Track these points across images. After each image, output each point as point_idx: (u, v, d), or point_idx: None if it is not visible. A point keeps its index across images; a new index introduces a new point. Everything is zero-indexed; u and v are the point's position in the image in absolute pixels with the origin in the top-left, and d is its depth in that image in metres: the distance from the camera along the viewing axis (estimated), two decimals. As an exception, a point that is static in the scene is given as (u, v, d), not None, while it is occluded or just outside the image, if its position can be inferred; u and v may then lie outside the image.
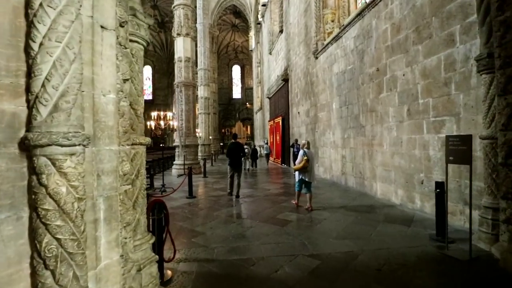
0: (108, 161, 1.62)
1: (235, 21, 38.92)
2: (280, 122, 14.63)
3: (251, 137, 39.56)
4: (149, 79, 42.79)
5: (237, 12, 36.76)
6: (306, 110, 10.86)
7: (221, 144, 30.70)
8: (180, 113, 11.07)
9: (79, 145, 1.30)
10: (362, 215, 4.75)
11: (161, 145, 35.20)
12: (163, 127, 7.22)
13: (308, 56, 10.51)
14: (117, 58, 1.72)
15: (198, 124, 21.17)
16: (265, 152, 18.75)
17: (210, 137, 21.35)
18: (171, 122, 7.45)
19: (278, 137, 15.33)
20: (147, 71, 42.82)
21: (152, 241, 2.22)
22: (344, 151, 7.76)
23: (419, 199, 4.95)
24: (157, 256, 2.23)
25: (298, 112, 11.93)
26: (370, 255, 3.05)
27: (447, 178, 3.35)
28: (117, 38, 1.82)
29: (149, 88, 42.60)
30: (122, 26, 1.91)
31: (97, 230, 1.54)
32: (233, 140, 7.03)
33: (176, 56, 11.20)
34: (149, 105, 38.93)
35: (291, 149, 10.80)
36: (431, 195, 4.63)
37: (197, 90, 20.87)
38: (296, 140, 10.73)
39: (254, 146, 17.95)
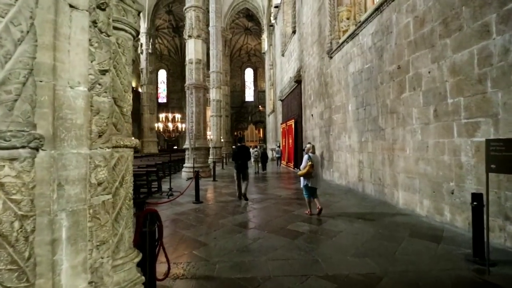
0: (75, 167, 1.32)
1: (248, 24, 39.03)
2: (293, 125, 14.20)
3: (264, 140, 39.28)
4: (164, 82, 43.60)
5: (250, 15, 36.84)
6: (320, 112, 10.39)
7: (233, 146, 30.62)
8: (190, 115, 10.91)
9: (22, 147, 1.01)
10: (384, 227, 4.27)
11: (174, 147, 35.51)
12: (171, 129, 6.99)
13: (322, 56, 10.08)
14: (91, 44, 1.43)
15: (210, 126, 21.11)
16: (277, 155, 18.44)
17: (222, 140, 21.20)
18: (179, 125, 7.22)
19: (290, 141, 14.90)
20: (162, 74, 43.66)
21: (138, 259, 1.91)
22: (361, 155, 7.25)
23: (448, 211, 4.40)
24: (143, 278, 1.91)
25: (312, 115, 11.48)
26: (396, 279, 2.61)
27: (488, 189, 2.85)
28: (95, 23, 1.53)
29: (163, 91, 43.40)
30: (103, 9, 1.63)
31: (57, 253, 1.24)
32: (239, 144, 7.00)
33: (187, 58, 11.08)
34: (163, 108, 39.53)
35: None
36: (463, 207, 4.10)
37: (209, 93, 20.84)
38: (309, 143, 10.26)
39: (264, 149, 17.57)
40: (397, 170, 5.73)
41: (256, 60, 43.80)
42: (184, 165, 11.05)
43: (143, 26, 28.15)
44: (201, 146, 10.88)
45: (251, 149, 14.47)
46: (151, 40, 28.33)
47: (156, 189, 7.61)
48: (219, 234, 4.06)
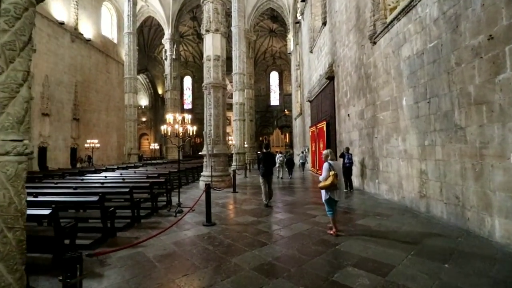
0: None
1: (272, 26, 38.06)
2: (324, 128, 12.51)
3: (290, 145, 37.62)
4: (189, 89, 43.96)
5: (274, 17, 35.84)
6: (360, 111, 8.68)
7: (258, 152, 29.26)
8: (208, 117, 9.77)
9: None
10: (498, 286, 2.58)
11: (199, 153, 35.05)
12: (180, 132, 5.79)
13: (361, 44, 8.42)
14: None
15: (232, 131, 20.02)
16: (301, 161, 16.97)
17: (246, 145, 20.02)
18: (189, 127, 6.01)
19: (321, 145, 13.18)
20: (188, 81, 44.08)
21: None
22: (423, 164, 5.46)
23: None
24: None
25: (348, 115, 9.76)
26: None
27: None
28: None
29: (189, 97, 43.71)
30: None
31: None
32: (264, 150, 7.00)
33: (204, 55, 10.03)
34: (189, 114, 39.59)
35: (341, 160, 8.68)
36: None
37: (232, 96, 19.87)
38: (348, 149, 8.58)
39: (291, 154, 16.87)
40: (490, 186, 3.94)
41: (282, 63, 42.56)
42: (201, 173, 9.89)
43: (167, 32, 28.25)
44: (220, 153, 9.66)
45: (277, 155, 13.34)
46: (175, 46, 28.29)
47: (164, 204, 6.44)
48: (228, 287, 2.67)
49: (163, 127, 5.74)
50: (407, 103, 5.95)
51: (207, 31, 9.91)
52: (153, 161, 20.48)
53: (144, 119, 40.54)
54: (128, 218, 4.82)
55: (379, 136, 7.34)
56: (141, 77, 38.90)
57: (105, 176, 7.64)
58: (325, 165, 4.23)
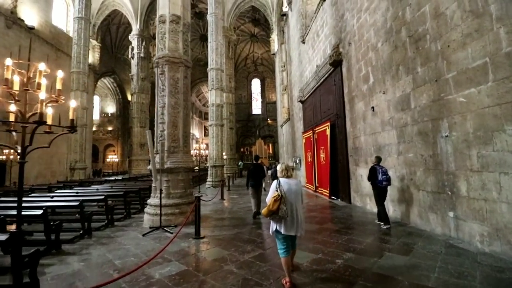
0: None
1: (254, 30, 35.65)
2: (328, 131, 9.34)
3: (273, 156, 34.46)
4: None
5: (256, 20, 33.49)
6: (399, 98, 5.55)
7: (238, 163, 25.52)
8: (159, 110, 6.17)
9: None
10: None
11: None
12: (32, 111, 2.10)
13: (399, -5, 5.41)
14: None
15: (209, 139, 16.42)
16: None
17: (224, 156, 16.42)
18: (44, 95, 2.25)
19: (322, 154, 9.97)
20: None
21: None
22: None
23: None
24: None
25: (372, 108, 6.63)
26: None
27: None
28: None
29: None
30: None
31: None
32: (255, 162, 7.03)
33: (157, 15, 6.57)
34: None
35: (374, 177, 5.38)
36: None
37: (208, 94, 16.41)
38: (379, 159, 5.36)
39: (275, 167, 14.07)
40: None
41: (264, 70, 40.15)
42: (148, 201, 6.14)
43: (135, 28, 24.55)
44: (179, 166, 6.04)
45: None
46: (143, 43, 24.56)
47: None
48: None
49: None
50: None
51: (161, -20, 6.50)
52: (107, 178, 16.22)
53: (110, 128, 35.70)
54: None
55: (456, 133, 4.15)
56: (108, 81, 34.40)
57: None
58: (273, 183, 2.94)
